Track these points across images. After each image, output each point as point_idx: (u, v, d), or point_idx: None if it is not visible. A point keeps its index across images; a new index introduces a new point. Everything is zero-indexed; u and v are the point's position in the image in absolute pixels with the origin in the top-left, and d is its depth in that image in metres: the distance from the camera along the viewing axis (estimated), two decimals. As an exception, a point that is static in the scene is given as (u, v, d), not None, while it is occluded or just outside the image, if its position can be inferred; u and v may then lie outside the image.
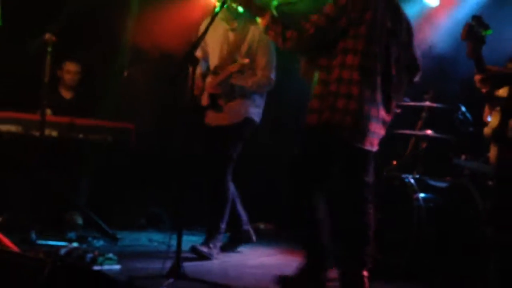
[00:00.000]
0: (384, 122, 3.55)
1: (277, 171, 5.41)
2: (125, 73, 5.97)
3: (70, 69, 5.59)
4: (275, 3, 3.71)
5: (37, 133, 4.64)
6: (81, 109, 5.19)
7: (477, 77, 3.21)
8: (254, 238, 4.80)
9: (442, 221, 4.35)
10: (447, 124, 4.70)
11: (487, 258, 3.79)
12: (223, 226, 4.61)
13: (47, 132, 4.69)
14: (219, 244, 4.62)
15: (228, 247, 4.76)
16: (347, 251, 3.57)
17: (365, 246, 3.50)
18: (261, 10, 3.64)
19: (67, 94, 5.68)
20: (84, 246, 4.45)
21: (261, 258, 4.63)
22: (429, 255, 4.23)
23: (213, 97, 4.55)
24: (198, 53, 4.75)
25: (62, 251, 3.84)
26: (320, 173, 3.53)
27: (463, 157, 4.49)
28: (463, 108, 4.65)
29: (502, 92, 3.23)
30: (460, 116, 4.62)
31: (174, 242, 3.64)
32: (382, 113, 3.52)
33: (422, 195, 4.47)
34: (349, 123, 3.39)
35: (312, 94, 3.52)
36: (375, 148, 3.54)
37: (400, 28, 3.56)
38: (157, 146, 5.79)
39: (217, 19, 4.57)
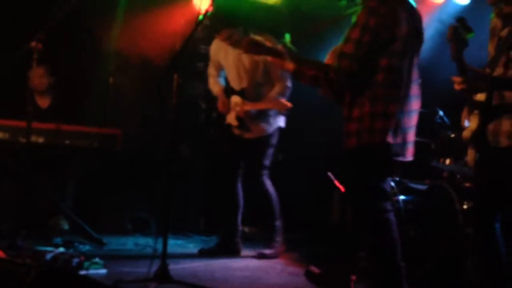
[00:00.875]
0: (415, 127, 3.43)
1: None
2: (111, 80, 5.89)
3: (32, 76, 5.15)
4: (288, 38, 3.43)
5: (23, 140, 4.59)
6: (59, 118, 5.08)
7: (455, 79, 3.16)
8: (240, 252, 4.83)
9: (422, 222, 4.34)
10: (426, 128, 4.57)
11: (465, 256, 3.86)
12: (278, 223, 4.75)
13: (33, 138, 4.66)
14: (280, 239, 4.73)
15: (211, 252, 4.76)
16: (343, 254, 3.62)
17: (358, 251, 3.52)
18: (278, 53, 3.34)
19: (43, 103, 5.49)
20: (70, 251, 4.39)
21: (247, 261, 4.60)
22: (409, 256, 3.92)
23: (241, 119, 4.72)
24: (213, 71, 4.91)
25: (48, 256, 3.79)
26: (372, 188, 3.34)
27: (441, 160, 4.51)
28: (441, 113, 4.64)
29: (480, 96, 3.18)
30: (439, 120, 4.60)
31: (160, 246, 3.61)
32: (416, 118, 3.40)
33: (402, 197, 4.47)
34: (391, 141, 3.21)
35: (345, 117, 3.30)
36: (412, 157, 3.40)
37: (420, 26, 3.39)
38: (143, 151, 5.73)
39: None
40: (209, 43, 5.04)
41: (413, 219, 4.39)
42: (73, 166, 5.19)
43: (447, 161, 4.48)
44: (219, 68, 4.93)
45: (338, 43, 3.33)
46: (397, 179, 4.62)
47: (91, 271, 3.74)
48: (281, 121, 4.81)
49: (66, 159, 5.11)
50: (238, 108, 4.72)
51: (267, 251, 4.72)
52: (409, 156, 3.34)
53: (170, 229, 4.23)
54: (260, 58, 4.54)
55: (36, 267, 3.05)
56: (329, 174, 4.50)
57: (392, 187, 4.48)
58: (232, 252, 4.79)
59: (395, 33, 3.18)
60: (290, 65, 3.30)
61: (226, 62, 4.82)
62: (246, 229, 5.42)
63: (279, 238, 4.76)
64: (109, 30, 5.80)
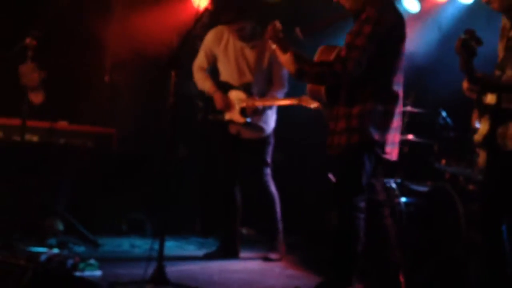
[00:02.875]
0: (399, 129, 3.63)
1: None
2: (106, 78, 5.89)
3: (22, 71, 5.04)
4: (298, 31, 3.62)
5: (17, 138, 4.61)
6: (54, 115, 5.08)
7: (465, 85, 3.27)
8: (239, 254, 4.83)
9: (424, 225, 4.39)
10: (428, 129, 4.74)
11: (467, 260, 3.91)
12: (280, 225, 4.79)
13: (27, 137, 4.69)
14: (282, 241, 4.78)
15: (213, 256, 4.75)
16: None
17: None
18: (288, 47, 3.41)
19: (36, 99, 5.18)
20: (65, 252, 4.41)
21: (245, 263, 4.64)
22: (410, 259, 4.19)
23: (247, 116, 4.66)
24: (203, 63, 4.80)
25: (43, 257, 3.77)
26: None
27: (444, 161, 4.54)
28: (444, 113, 4.67)
29: (490, 99, 3.22)
30: (441, 121, 4.64)
31: (156, 247, 3.62)
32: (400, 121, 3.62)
33: (403, 199, 4.52)
34: (388, 139, 3.44)
35: (343, 114, 3.45)
36: (397, 157, 3.62)
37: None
38: (139, 151, 5.73)
39: (229, 35, 4.68)
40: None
41: (414, 221, 4.43)
42: (67, 165, 5.14)
43: (450, 163, 4.50)
44: (211, 61, 4.81)
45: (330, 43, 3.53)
46: (399, 180, 4.66)
47: (86, 273, 3.75)
48: (274, 121, 4.81)
49: (60, 158, 5.08)
50: (245, 104, 4.62)
51: (273, 255, 4.72)
52: (395, 157, 3.57)
53: (167, 230, 4.12)
54: (267, 52, 4.56)
55: (31, 268, 3.12)
56: (330, 175, 4.58)
57: (393, 189, 4.55)
58: (232, 254, 4.78)
59: (402, 34, 3.42)
60: (293, 64, 3.38)
61: (224, 55, 4.72)
62: (244, 231, 5.43)
63: (281, 241, 4.78)
64: (106, 25, 5.77)
